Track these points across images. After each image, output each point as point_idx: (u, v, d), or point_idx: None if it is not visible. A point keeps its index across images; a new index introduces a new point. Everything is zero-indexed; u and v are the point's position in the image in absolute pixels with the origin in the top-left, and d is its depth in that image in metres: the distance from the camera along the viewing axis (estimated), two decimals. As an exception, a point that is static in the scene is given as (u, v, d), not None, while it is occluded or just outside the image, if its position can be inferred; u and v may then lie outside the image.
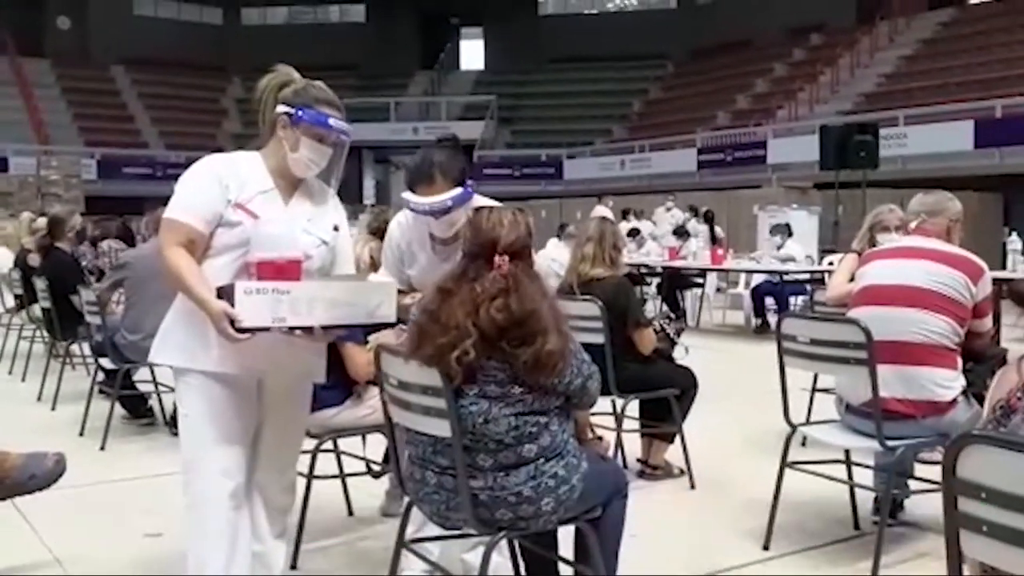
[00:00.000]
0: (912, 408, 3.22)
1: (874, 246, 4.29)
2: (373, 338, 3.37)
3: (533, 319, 2.31)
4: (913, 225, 3.65)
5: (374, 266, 3.68)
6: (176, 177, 2.57)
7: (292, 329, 2.37)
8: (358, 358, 3.42)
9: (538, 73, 29.76)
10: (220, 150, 2.82)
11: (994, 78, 18.14)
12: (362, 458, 3.84)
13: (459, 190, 2.83)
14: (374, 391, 3.46)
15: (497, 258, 2.37)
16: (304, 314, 2.37)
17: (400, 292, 2.79)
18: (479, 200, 3.03)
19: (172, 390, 5.21)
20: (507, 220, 2.45)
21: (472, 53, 33.21)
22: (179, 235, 2.44)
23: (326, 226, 2.62)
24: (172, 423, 5.27)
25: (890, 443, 3.18)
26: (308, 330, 2.41)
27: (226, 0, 32.53)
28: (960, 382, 3.29)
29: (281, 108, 2.53)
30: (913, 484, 3.66)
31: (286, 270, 2.42)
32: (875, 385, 3.16)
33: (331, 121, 2.53)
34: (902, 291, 3.33)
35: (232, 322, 2.29)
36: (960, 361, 3.33)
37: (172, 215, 2.46)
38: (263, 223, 2.48)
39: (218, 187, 2.47)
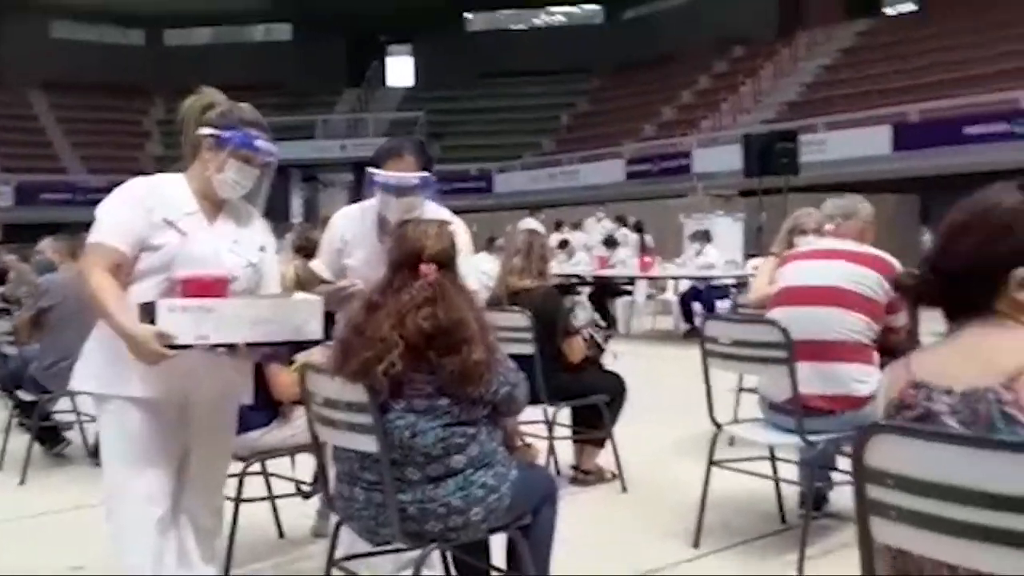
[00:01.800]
0: (831, 403, 3.31)
1: (792, 248, 4.40)
2: (299, 357, 3.34)
3: (460, 328, 2.33)
4: (830, 227, 3.76)
5: (299, 284, 3.65)
6: (97, 202, 2.52)
7: (215, 346, 2.34)
8: (283, 378, 3.39)
9: (467, 88, 29.84)
10: (142, 173, 2.77)
11: (910, 85, 18.74)
12: (291, 479, 3.79)
13: (426, 173, 2.88)
14: (301, 411, 3.43)
15: (423, 266, 2.38)
16: (229, 332, 2.34)
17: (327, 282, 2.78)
18: (436, 209, 3.03)
19: (94, 419, 5.10)
20: (432, 231, 2.47)
21: (400, 70, 33.17)
22: (104, 259, 2.39)
23: (252, 247, 2.60)
24: (94, 453, 5.13)
25: (811, 438, 3.27)
26: (232, 347, 2.38)
27: (148, 21, 31.92)
28: (876, 377, 3.38)
29: (206, 130, 2.51)
30: (837, 477, 3.75)
31: (212, 287, 2.39)
32: (795, 383, 3.24)
33: (258, 143, 2.51)
34: (818, 291, 3.42)
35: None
36: (876, 356, 3.43)
37: (97, 239, 2.42)
38: (189, 242, 2.45)
39: (142, 210, 2.44)
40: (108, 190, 2.55)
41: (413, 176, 2.85)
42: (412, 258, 2.42)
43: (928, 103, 17.18)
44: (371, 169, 2.90)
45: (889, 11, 25.41)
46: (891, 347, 3.56)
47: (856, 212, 3.76)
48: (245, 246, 2.57)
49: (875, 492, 1.49)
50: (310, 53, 30.51)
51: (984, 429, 1.39)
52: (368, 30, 31.39)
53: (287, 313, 2.48)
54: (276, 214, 3.02)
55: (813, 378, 3.31)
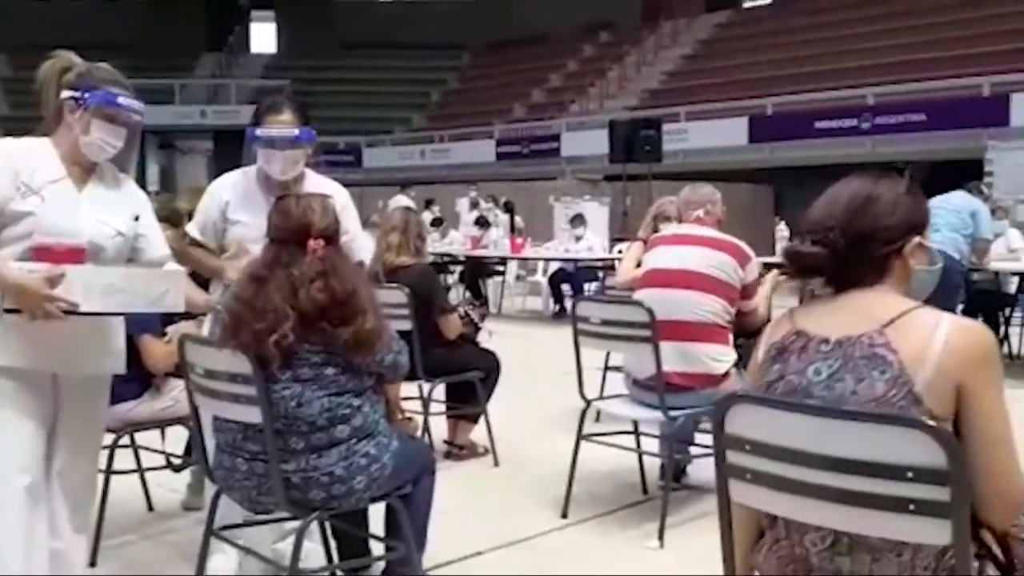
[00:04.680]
0: (690, 380, 3.53)
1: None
2: (172, 330, 3.31)
3: (354, 299, 2.40)
4: (700, 214, 3.93)
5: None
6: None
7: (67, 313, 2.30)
8: (155, 350, 3.35)
9: (333, 59, 29.23)
10: None
11: (766, 77, 19.60)
12: (162, 452, 3.74)
13: (307, 128, 2.94)
14: (174, 383, 3.40)
15: (312, 242, 2.42)
16: (80, 298, 2.30)
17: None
18: (320, 179, 3.05)
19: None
20: (317, 206, 2.51)
21: (263, 36, 32.21)
22: None
23: (123, 216, 2.56)
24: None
25: (672, 413, 3.48)
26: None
27: (-8, -29, 29.79)
28: (732, 356, 3.64)
29: (67, 93, 2.46)
30: (694, 450, 4.00)
31: (65, 257, 2.36)
32: (658, 360, 3.44)
33: (121, 100, 2.48)
34: (680, 275, 3.64)
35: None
36: (731, 337, 3.68)
37: None
38: (49, 211, 2.40)
39: (9, 173, 2.39)
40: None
41: (293, 130, 2.92)
42: (299, 234, 2.45)
43: (782, 97, 18.03)
44: (251, 128, 2.95)
45: (747, 4, 26.40)
46: (745, 328, 3.82)
47: (717, 200, 3.99)
48: (114, 214, 2.53)
49: (733, 457, 1.66)
50: (165, 14, 29.19)
51: (850, 371, 1.59)
52: (228, -7, 30.38)
53: (143, 283, 2.43)
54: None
55: (674, 357, 3.52)
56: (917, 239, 1.70)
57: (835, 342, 1.63)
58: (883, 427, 1.47)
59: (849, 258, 1.68)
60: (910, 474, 1.43)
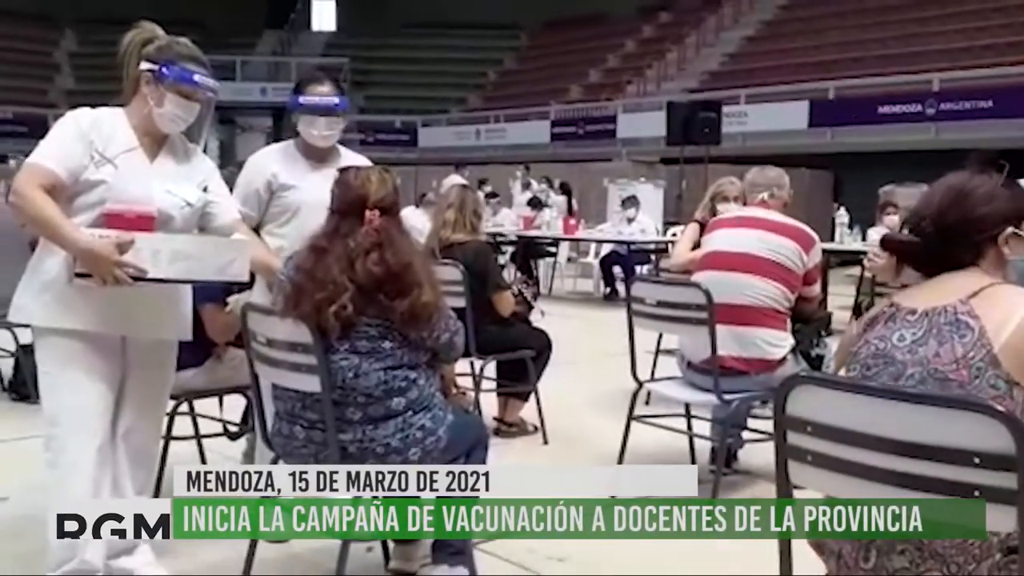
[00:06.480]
0: (746, 365, 3.49)
1: (715, 215, 4.57)
2: (234, 300, 3.37)
3: (409, 271, 2.42)
4: (764, 197, 3.87)
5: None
6: (2, 135, 2.50)
7: (135, 279, 2.36)
8: (217, 319, 3.40)
9: (391, 38, 29.31)
10: (52, 107, 2.76)
11: (828, 60, 19.18)
12: (219, 419, 3.81)
13: (344, 98, 3.16)
14: (233, 352, 3.46)
15: (368, 213, 2.45)
16: (148, 265, 2.36)
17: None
18: (353, 155, 3.12)
19: (11, 355, 5.00)
20: (375, 178, 2.53)
21: (323, 14, 32.44)
22: (41, 178, 2.40)
23: (191, 187, 2.62)
24: (10, 388, 5.03)
25: (726, 397, 3.45)
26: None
27: (58, -55, 30.38)
28: (789, 342, 3.59)
29: (145, 65, 2.52)
30: (746, 435, 3.96)
31: (135, 223, 2.42)
32: (714, 343, 3.41)
33: (196, 77, 2.54)
34: (740, 258, 3.59)
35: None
36: (789, 323, 3.63)
37: (36, 160, 2.43)
38: (122, 179, 2.47)
39: (84, 142, 2.46)
40: (14, 123, 2.55)
41: (334, 98, 3.12)
42: (357, 205, 2.48)
43: (844, 80, 17.65)
44: (294, 96, 3.12)
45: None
46: (803, 314, 3.77)
47: (785, 184, 3.92)
48: (183, 186, 2.59)
49: (794, 438, 1.64)
50: (229, -10, 29.53)
51: (934, 336, 1.65)
52: (289, -31, 30.59)
53: (210, 251, 2.50)
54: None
55: (729, 340, 3.49)
56: (1011, 229, 1.75)
57: (922, 312, 1.70)
58: (950, 411, 1.44)
59: (941, 246, 1.76)
60: (976, 459, 1.41)
